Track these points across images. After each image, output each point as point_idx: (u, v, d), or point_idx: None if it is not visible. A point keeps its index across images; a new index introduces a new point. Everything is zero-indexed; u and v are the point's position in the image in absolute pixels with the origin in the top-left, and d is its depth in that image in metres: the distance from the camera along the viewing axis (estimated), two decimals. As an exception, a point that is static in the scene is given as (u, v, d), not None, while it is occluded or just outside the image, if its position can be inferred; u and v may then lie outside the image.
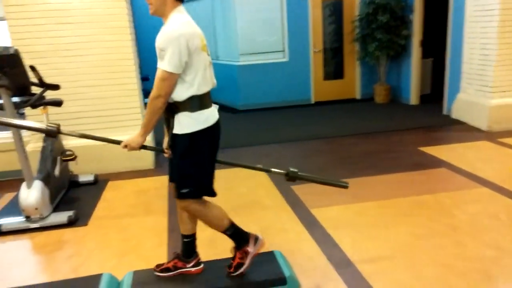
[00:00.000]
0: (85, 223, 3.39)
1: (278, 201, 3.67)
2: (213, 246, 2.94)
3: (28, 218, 3.32)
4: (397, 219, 3.19)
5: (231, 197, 3.77)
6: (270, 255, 2.56)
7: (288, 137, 5.67)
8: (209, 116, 2.09)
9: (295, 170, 2.34)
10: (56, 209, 3.56)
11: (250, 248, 2.31)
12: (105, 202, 3.82)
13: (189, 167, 2.08)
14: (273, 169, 2.38)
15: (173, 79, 1.94)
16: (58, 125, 2.18)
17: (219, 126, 2.19)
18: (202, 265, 2.44)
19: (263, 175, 4.28)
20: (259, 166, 2.46)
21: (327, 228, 3.10)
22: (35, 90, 3.41)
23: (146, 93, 8.29)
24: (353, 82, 7.94)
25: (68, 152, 3.85)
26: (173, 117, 2.03)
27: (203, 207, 2.19)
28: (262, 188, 3.96)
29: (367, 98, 7.78)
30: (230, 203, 3.61)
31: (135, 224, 3.29)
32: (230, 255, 2.40)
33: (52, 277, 2.73)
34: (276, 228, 3.18)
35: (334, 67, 7.95)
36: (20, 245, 3.17)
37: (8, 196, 4.00)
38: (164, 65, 1.91)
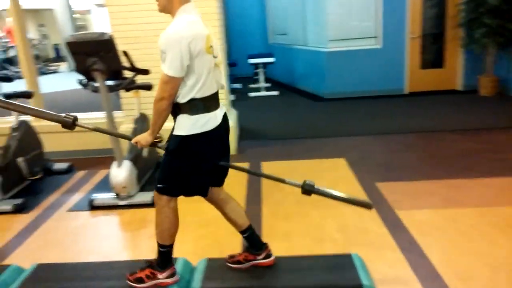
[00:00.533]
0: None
1: (360, 197, 3.44)
2: (288, 239, 2.85)
3: (117, 195, 3.52)
4: (499, 231, 2.79)
5: (310, 190, 3.63)
6: (347, 258, 2.39)
7: (377, 129, 5.33)
8: (210, 120, 1.98)
9: (312, 183, 2.13)
10: (143, 188, 3.73)
11: (161, 276, 2.21)
12: (186, 185, 3.91)
13: (177, 167, 2.04)
14: (287, 180, 2.17)
15: (175, 82, 1.88)
16: (75, 117, 2.19)
17: (223, 129, 2.08)
18: (272, 257, 2.37)
19: (345, 168, 4.07)
20: (271, 174, 2.29)
21: (414, 233, 2.82)
22: (127, 74, 3.57)
23: (233, 78, 8.45)
24: (454, 72, 7.20)
25: (157, 135, 3.99)
26: (175, 118, 2.00)
27: (170, 212, 2.13)
28: (343, 182, 3.76)
29: (470, 90, 7.01)
30: (309, 197, 3.48)
31: (213, 211, 3.30)
32: (303, 252, 2.28)
33: (133, 254, 2.86)
34: (356, 227, 2.98)
35: (433, 55, 7.27)
36: (109, 221, 3.37)
37: (103, 172, 4.29)
38: (165, 68, 1.86)
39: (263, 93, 7.88)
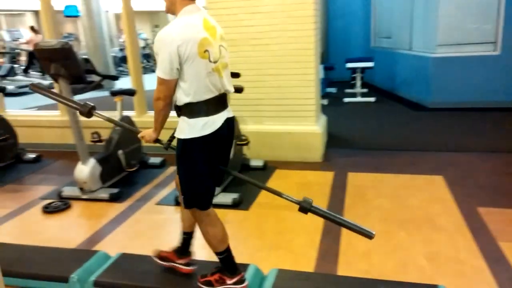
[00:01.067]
0: (246, 208, 3.51)
1: (456, 222, 3.08)
2: (367, 260, 2.65)
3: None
4: None
5: (398, 208, 3.34)
6: (432, 291, 2.13)
7: (484, 146, 4.75)
8: (208, 123, 1.93)
9: (309, 201, 2.00)
10: (225, 189, 3.79)
11: (229, 281, 2.18)
12: (269, 189, 3.88)
13: (182, 172, 2.03)
14: (284, 194, 2.06)
15: (168, 84, 1.89)
16: (92, 106, 2.32)
17: (223, 134, 2.01)
18: (191, 267, 2.36)
19: (442, 187, 3.68)
20: (268, 187, 2.17)
21: (518, 272, 2.43)
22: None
23: (328, 82, 8.24)
24: None
25: (242, 137, 4.05)
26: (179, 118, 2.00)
27: (208, 221, 2.10)
28: (438, 203, 3.40)
29: None
30: (396, 215, 3.22)
31: (291, 218, 3.23)
32: (382, 276, 2.08)
33: (209, 254, 2.90)
34: (447, 255, 2.66)
35: None
36: (191, 217, 3.48)
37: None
38: (157, 70, 1.87)
39: (359, 99, 7.56)
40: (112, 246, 2.95)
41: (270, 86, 4.47)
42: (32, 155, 5.04)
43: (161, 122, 2.03)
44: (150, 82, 5.88)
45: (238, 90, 3.77)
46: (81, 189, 3.85)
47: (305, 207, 2.00)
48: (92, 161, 3.86)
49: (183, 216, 2.33)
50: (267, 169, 4.35)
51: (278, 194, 2.09)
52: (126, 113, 4.52)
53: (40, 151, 5.16)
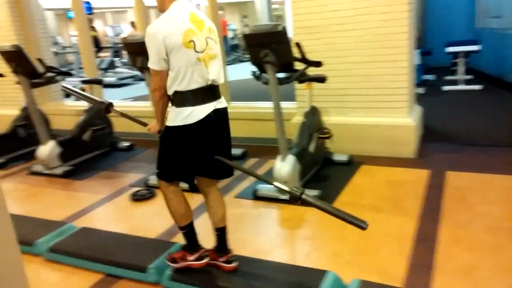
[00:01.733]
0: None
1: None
2: (469, 277, 2.27)
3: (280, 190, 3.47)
4: None
5: (510, 216, 2.85)
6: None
7: None
8: (193, 113, 2.05)
9: (300, 190, 2.03)
10: (306, 185, 3.59)
11: (190, 257, 2.35)
12: (353, 187, 3.59)
13: (160, 150, 2.20)
14: (275, 182, 2.17)
15: (160, 75, 2.04)
16: (110, 103, 2.50)
17: (211, 123, 2.11)
18: (234, 264, 2.37)
19: None
20: (259, 174, 2.36)
21: None
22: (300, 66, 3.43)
23: (424, 68, 7.51)
24: None
25: (325, 130, 3.80)
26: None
27: (171, 195, 2.25)
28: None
29: None
30: (508, 225, 2.74)
31: (378, 222, 2.93)
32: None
33: (288, 256, 2.75)
34: None
35: None
36: (268, 213, 3.35)
37: (272, 163, 4.33)
38: (149, 62, 2.03)
39: (462, 86, 6.77)
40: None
41: (356, 74, 4.12)
42: (125, 144, 5.33)
43: (161, 113, 2.19)
44: (236, 72, 5.82)
45: (320, 79, 3.52)
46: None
47: (294, 197, 2.03)
48: (291, 157, 3.84)
49: (209, 213, 2.38)
50: (352, 164, 4.04)
51: (269, 182, 2.21)
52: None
53: (133, 140, 5.42)
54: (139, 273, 2.50)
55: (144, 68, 3.65)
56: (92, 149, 5.05)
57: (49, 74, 4.56)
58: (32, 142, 5.04)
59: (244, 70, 11.85)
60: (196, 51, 2.01)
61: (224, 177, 2.36)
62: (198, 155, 2.16)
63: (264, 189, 3.56)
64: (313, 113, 3.83)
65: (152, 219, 3.39)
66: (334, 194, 3.44)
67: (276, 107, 3.32)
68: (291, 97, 4.57)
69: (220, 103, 2.17)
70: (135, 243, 2.83)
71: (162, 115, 2.20)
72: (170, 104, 2.16)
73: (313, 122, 3.78)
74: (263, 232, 3.05)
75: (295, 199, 2.04)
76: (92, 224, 3.28)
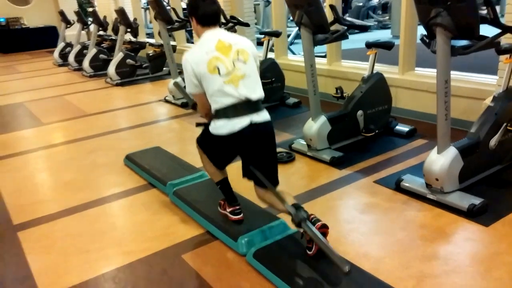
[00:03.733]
0: (487, 223, 2.47)
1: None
2: None
3: (428, 185, 2.79)
4: None
5: None
6: None
7: None
8: (224, 125, 2.23)
9: (303, 215, 2.09)
10: (469, 188, 2.79)
11: (228, 209, 2.57)
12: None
13: (201, 135, 2.50)
14: (286, 205, 2.20)
15: (199, 96, 2.34)
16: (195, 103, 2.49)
17: (244, 135, 2.23)
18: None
19: None
20: (274, 189, 2.27)
21: None
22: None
23: None
24: None
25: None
26: None
27: (203, 158, 2.55)
28: None
29: None
30: None
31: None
32: None
33: (391, 271, 2.20)
34: None
35: None
36: (405, 212, 2.72)
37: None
38: (187, 89, 2.37)
39: None
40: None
41: None
42: (293, 100, 5.24)
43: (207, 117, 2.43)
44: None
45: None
46: (308, 145, 3.68)
47: (295, 220, 2.11)
48: (322, 119, 3.59)
49: (275, 202, 2.33)
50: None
51: (282, 200, 2.23)
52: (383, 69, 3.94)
53: (302, 98, 5.28)
54: (231, 241, 2.42)
55: (301, 24, 3.35)
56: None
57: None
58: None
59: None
60: (221, 75, 2.20)
61: (261, 185, 2.35)
62: (225, 158, 2.48)
63: (410, 181, 2.93)
64: (508, 97, 2.88)
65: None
66: (504, 208, 2.58)
67: (441, 85, 2.58)
68: (493, 70, 3.59)
69: (258, 116, 2.24)
70: (244, 207, 2.75)
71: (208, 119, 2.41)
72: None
73: (505, 109, 2.84)
74: (382, 234, 2.51)
75: (295, 224, 2.13)
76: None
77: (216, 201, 2.71)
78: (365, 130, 3.79)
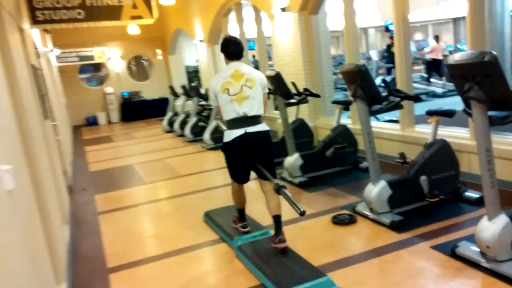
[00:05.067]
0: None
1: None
2: None
3: (483, 253, 2.77)
4: None
5: None
6: None
7: None
8: (232, 133, 3.22)
9: (282, 184, 3.14)
10: (528, 257, 2.70)
11: (238, 224, 3.70)
12: None
13: (226, 160, 3.44)
14: (275, 180, 3.27)
15: (217, 107, 3.35)
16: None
17: (244, 141, 3.20)
18: (283, 244, 3.19)
19: None
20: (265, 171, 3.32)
21: None
22: None
23: None
24: None
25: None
26: None
27: (233, 189, 3.59)
28: None
29: None
30: None
31: None
32: None
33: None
34: None
35: None
36: (461, 280, 2.73)
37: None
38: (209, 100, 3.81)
39: None
40: (345, 277, 2.85)
41: None
42: (366, 164, 5.38)
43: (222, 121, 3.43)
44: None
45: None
46: (371, 208, 3.83)
47: (275, 188, 3.16)
48: (382, 183, 3.74)
49: (267, 206, 3.33)
50: None
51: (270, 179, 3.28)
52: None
53: (381, 163, 5.38)
54: (277, 292, 2.69)
55: (356, 96, 3.68)
56: (332, 165, 5.40)
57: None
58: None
59: None
60: (230, 95, 3.18)
61: (265, 179, 3.31)
62: (236, 161, 3.35)
63: (465, 248, 2.93)
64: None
65: (335, 244, 3.41)
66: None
67: (483, 154, 2.67)
68: None
69: (253, 128, 3.19)
70: (296, 262, 3.00)
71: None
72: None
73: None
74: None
75: (277, 191, 3.14)
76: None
77: (274, 259, 3.07)
78: (430, 196, 3.82)
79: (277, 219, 3.22)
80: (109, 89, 14.49)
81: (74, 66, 14.01)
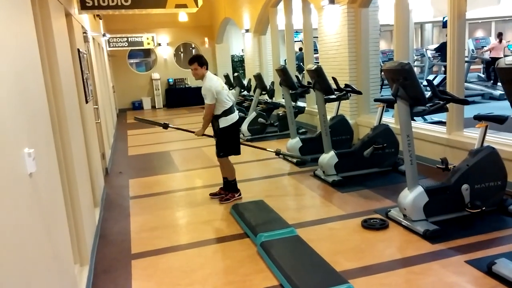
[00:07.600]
0: None
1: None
2: None
3: (523, 274, 2.53)
4: None
5: None
6: None
7: None
8: (231, 118, 4.48)
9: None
10: None
11: (236, 195, 4.66)
12: None
13: (223, 142, 4.53)
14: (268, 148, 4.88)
15: (212, 106, 4.37)
16: (166, 123, 4.95)
17: (237, 123, 4.56)
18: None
19: None
20: (253, 144, 5.19)
21: None
22: None
23: None
24: None
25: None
26: (217, 121, 4.48)
27: (229, 163, 4.65)
28: None
29: None
30: None
31: None
32: None
33: None
34: None
35: None
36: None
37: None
38: (206, 100, 4.37)
39: None
40: (368, 286, 2.71)
41: None
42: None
43: (207, 124, 4.54)
44: None
45: None
46: (404, 215, 3.62)
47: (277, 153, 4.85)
48: (419, 189, 3.52)
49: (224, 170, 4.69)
50: None
51: (262, 148, 4.93)
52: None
53: (420, 165, 5.11)
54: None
55: (397, 96, 3.46)
56: (370, 165, 5.18)
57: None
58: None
59: None
60: (224, 91, 4.43)
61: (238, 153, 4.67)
62: (236, 138, 4.60)
63: (503, 265, 2.69)
64: None
65: (357, 250, 3.26)
66: None
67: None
68: None
69: (236, 112, 4.61)
70: (319, 265, 2.89)
71: (207, 125, 4.55)
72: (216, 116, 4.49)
73: None
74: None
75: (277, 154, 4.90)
76: (308, 235, 3.51)
77: (296, 260, 3.03)
78: (471, 206, 3.55)
79: (226, 179, 4.73)
80: (155, 74, 14.81)
81: (124, 51, 14.42)
